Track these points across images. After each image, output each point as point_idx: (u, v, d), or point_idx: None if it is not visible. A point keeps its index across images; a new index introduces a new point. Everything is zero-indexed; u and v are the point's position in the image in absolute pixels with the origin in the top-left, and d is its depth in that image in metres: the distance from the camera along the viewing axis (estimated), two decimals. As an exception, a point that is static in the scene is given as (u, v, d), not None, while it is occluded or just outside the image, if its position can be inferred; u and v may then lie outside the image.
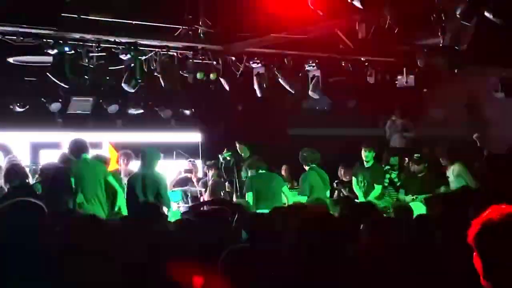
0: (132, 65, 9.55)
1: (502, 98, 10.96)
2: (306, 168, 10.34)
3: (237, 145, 12.05)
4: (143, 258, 3.71)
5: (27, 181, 8.19)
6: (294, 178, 12.04)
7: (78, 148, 8.81)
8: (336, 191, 11.26)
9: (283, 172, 12.49)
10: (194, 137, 14.42)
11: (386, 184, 10.73)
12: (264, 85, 10.79)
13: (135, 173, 9.39)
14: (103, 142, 13.02)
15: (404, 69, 11.31)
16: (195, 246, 4.12)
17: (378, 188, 10.44)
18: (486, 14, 6.96)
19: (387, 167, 10.96)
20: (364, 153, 10.55)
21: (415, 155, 10.69)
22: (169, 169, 11.76)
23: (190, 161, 12.77)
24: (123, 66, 9.74)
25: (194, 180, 12.24)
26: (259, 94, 10.98)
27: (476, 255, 2.21)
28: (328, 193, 10.34)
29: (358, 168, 10.70)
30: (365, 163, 10.57)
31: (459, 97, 13.33)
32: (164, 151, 11.65)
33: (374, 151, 10.60)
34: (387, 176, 10.85)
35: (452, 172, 9.81)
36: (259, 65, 10.72)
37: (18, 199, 3.77)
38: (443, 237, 4.24)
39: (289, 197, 9.98)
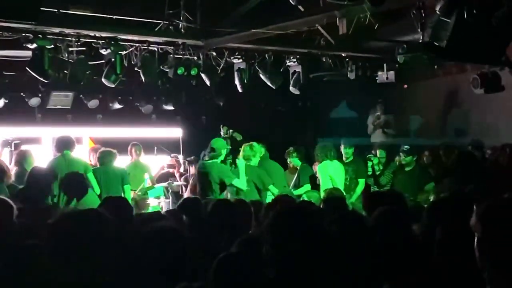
0: (112, 59, 9.51)
1: (481, 94, 11.01)
2: None
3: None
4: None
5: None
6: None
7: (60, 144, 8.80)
8: None
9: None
10: (175, 132, 14.39)
11: (369, 173, 10.47)
12: (245, 81, 10.80)
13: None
14: (83, 137, 12.95)
15: (385, 65, 11.36)
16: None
17: (362, 182, 10.36)
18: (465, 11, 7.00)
19: (369, 155, 10.70)
20: (344, 150, 10.52)
21: (404, 146, 10.27)
22: (150, 164, 11.76)
23: (173, 156, 12.75)
24: (103, 61, 9.70)
25: (177, 175, 12.22)
26: (240, 90, 10.98)
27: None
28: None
29: None
30: (344, 159, 10.52)
31: (439, 92, 13.42)
32: (145, 146, 11.67)
33: (353, 146, 10.56)
34: (369, 164, 10.49)
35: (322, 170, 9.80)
36: (240, 60, 10.72)
37: None
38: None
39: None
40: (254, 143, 9.69)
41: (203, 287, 2.95)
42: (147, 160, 11.74)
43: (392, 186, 10.04)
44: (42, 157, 10.79)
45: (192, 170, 11.77)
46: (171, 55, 10.15)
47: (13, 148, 10.48)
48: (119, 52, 9.48)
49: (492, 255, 2.37)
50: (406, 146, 10.27)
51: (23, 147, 10.39)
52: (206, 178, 9.08)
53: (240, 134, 11.35)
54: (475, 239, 2.42)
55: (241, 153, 9.56)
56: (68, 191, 7.46)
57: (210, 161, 9.19)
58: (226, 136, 11.40)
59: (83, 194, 7.32)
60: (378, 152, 10.88)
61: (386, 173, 10.50)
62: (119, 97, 13.35)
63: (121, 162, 11.20)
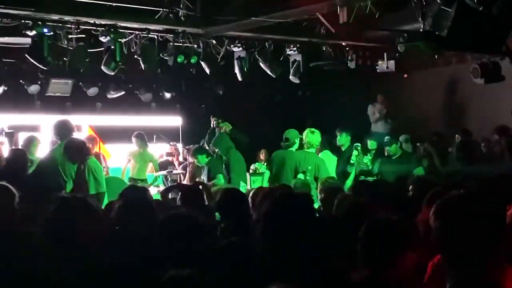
0: (112, 47, 9.48)
1: (481, 84, 11.01)
2: None
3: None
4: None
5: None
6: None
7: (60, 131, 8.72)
8: None
9: (261, 156, 12.47)
10: (174, 120, 14.38)
11: (352, 162, 10.15)
12: (245, 69, 10.77)
13: None
14: (83, 125, 12.94)
15: (385, 54, 11.33)
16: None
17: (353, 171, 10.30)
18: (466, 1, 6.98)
19: (356, 143, 10.56)
20: (338, 137, 10.42)
21: (385, 137, 10.30)
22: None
23: (172, 144, 12.74)
24: (102, 49, 9.67)
25: (176, 163, 12.22)
26: (240, 78, 10.96)
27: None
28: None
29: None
30: (342, 147, 10.44)
31: (439, 82, 13.40)
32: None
33: (348, 134, 10.45)
34: (354, 152, 10.07)
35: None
36: (240, 48, 10.70)
37: None
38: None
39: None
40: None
41: (192, 274, 2.95)
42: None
43: (381, 175, 10.00)
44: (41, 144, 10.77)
45: (191, 158, 11.76)
46: (171, 43, 10.12)
47: (5, 137, 10.47)
48: (119, 40, 9.45)
49: (448, 246, 2.68)
50: (386, 137, 10.26)
51: (20, 135, 10.38)
52: (281, 166, 9.24)
53: (229, 124, 10.98)
54: (432, 233, 2.71)
55: (308, 140, 9.38)
56: None
57: (285, 150, 9.37)
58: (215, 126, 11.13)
59: None
60: (369, 142, 10.77)
61: (376, 163, 10.39)
62: (119, 85, 13.33)
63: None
